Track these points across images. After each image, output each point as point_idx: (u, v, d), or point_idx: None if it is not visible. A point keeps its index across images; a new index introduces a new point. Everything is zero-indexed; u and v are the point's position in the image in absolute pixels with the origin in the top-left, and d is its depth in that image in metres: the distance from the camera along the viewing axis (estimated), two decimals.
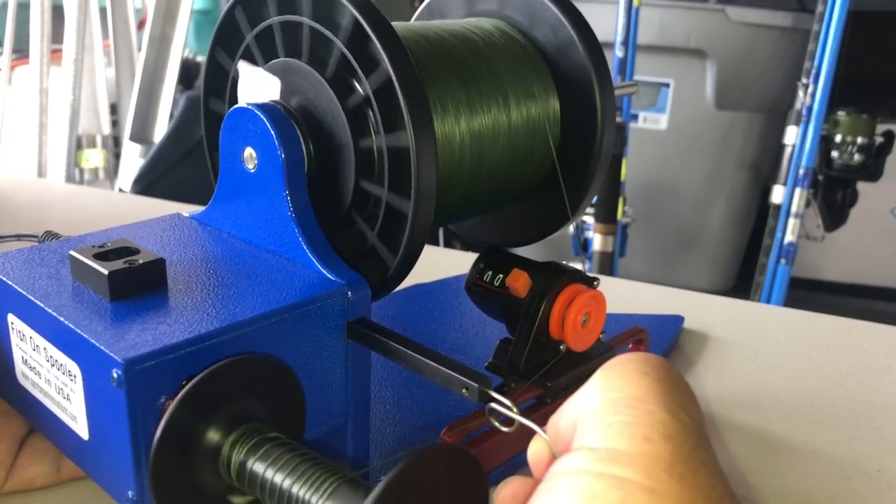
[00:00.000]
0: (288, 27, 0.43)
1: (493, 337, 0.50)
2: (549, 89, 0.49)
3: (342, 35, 0.40)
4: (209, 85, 0.49)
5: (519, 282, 0.47)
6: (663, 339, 0.62)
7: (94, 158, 2.29)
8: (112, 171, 2.34)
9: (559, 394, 0.47)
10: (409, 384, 0.54)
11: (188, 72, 2.42)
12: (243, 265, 0.40)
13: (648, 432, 0.26)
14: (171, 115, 2.15)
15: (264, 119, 0.40)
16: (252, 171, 0.42)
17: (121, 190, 2.15)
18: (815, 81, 1.55)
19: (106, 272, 0.35)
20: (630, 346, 0.55)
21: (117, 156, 2.33)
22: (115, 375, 0.31)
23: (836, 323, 0.69)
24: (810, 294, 1.97)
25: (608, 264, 1.63)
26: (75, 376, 0.34)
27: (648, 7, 1.73)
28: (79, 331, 0.33)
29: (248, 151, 0.42)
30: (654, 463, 0.25)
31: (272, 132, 0.40)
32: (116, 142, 2.37)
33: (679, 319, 0.66)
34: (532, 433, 0.48)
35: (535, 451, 0.32)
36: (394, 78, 0.38)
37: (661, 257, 2.07)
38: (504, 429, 0.35)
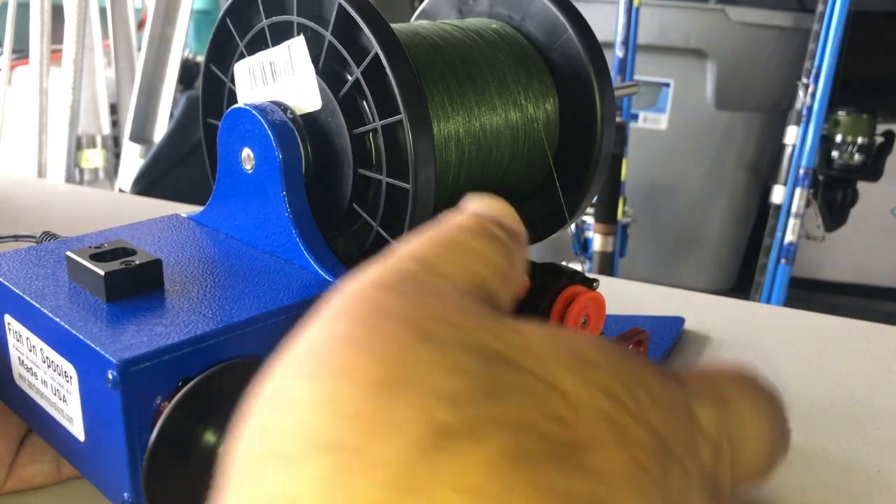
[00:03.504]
0: (277, 28, 0.43)
1: None
2: (548, 88, 0.49)
3: (329, 26, 0.40)
4: (207, 99, 0.48)
5: None
6: (664, 341, 0.62)
7: (94, 158, 2.29)
8: (112, 171, 2.34)
9: None
10: None
11: (188, 72, 2.42)
12: (240, 266, 0.40)
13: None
14: (172, 115, 2.15)
15: (261, 119, 0.40)
16: (249, 171, 0.42)
17: (121, 190, 2.15)
18: (816, 81, 1.55)
19: (102, 273, 0.35)
20: (630, 347, 0.54)
21: (117, 156, 2.33)
22: (110, 377, 0.31)
23: (836, 323, 0.68)
24: (810, 294, 1.97)
25: (608, 264, 1.63)
26: (71, 377, 0.34)
27: (648, 7, 1.73)
28: (74, 332, 0.33)
29: (246, 152, 0.41)
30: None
31: (269, 132, 0.40)
32: (116, 142, 2.37)
33: (680, 321, 0.66)
34: None
35: None
36: (380, 52, 0.38)
37: (662, 257, 2.07)
38: None
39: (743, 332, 0.66)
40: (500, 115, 0.46)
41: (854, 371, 0.60)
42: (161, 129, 2.15)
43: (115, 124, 2.37)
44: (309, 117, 0.41)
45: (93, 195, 1.19)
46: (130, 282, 0.36)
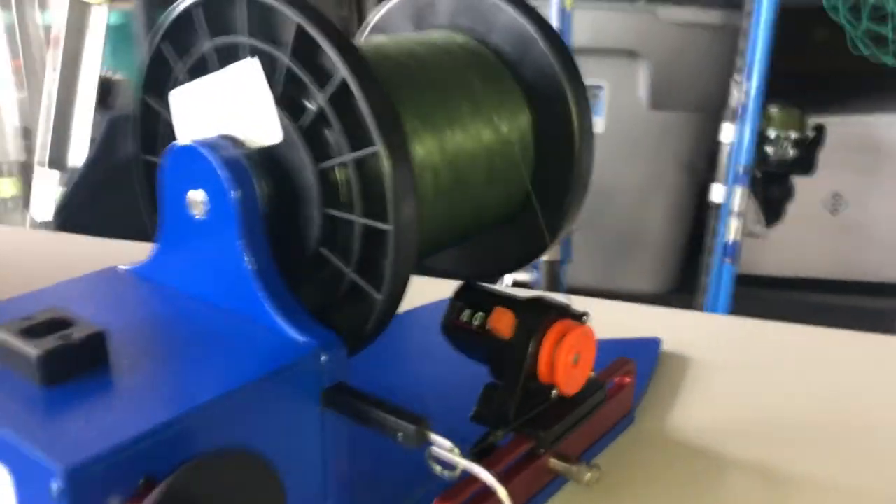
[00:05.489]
0: (224, 52, 0.38)
1: (480, 372, 0.45)
2: (520, 106, 0.45)
3: (286, 48, 0.36)
4: (143, 134, 0.43)
5: (503, 322, 0.43)
6: (644, 367, 0.58)
7: (4, 188, 2.17)
8: (27, 200, 2.22)
9: (553, 443, 0.43)
10: None
11: (106, 91, 2.31)
12: (196, 331, 0.35)
13: None
14: (91, 139, 2.04)
15: (210, 157, 0.35)
16: (199, 217, 0.36)
17: (35, 221, 2.03)
18: (749, 78, 1.55)
19: (35, 354, 0.30)
20: (616, 380, 0.51)
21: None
22: (54, 487, 0.25)
23: (817, 333, 0.66)
24: (750, 290, 1.98)
25: (555, 272, 1.61)
26: (5, 484, 0.28)
27: (580, 10, 1.71)
28: (4, 429, 0.27)
29: (194, 195, 0.36)
30: None
31: (220, 172, 0.35)
32: (29, 168, 2.25)
33: (656, 343, 0.63)
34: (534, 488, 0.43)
35: None
36: (348, 77, 0.33)
37: (605, 261, 2.06)
38: (446, 474, 0.32)
39: (722, 349, 0.63)
40: (474, 137, 0.42)
41: (851, 386, 0.57)
42: (78, 153, 2.05)
43: (30, 150, 2.25)
44: (265, 152, 0.36)
45: (6, 235, 1.10)
46: (70, 361, 0.31)
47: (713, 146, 1.72)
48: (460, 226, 0.43)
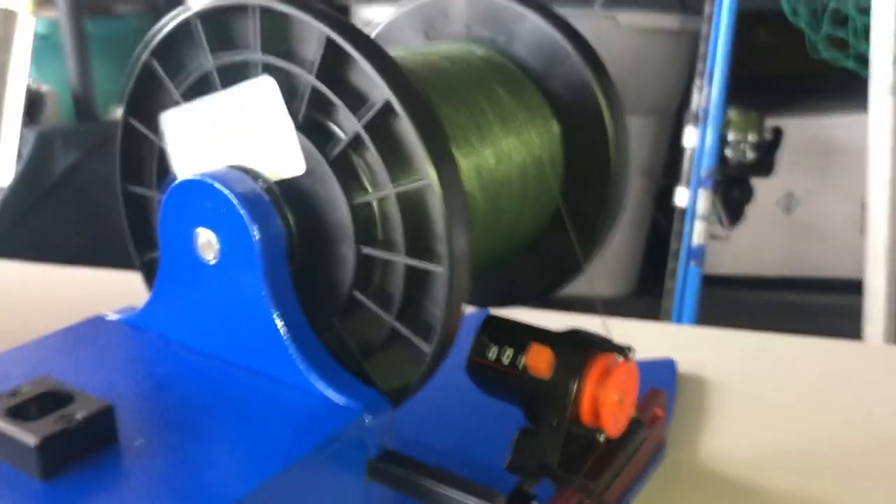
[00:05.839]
0: (231, 71, 0.33)
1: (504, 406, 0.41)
2: (550, 123, 0.41)
3: (309, 65, 0.31)
4: (128, 161, 0.38)
5: (541, 360, 0.39)
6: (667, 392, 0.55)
7: None
8: None
9: (603, 496, 0.39)
10: None
11: (33, 104, 2.20)
12: (215, 397, 0.30)
13: None
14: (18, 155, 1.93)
15: (227, 193, 0.30)
16: (212, 262, 0.31)
17: None
18: (710, 83, 1.54)
19: (34, 442, 0.24)
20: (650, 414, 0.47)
21: None
22: None
23: (835, 347, 0.63)
24: (708, 290, 1.98)
25: None
26: None
27: None
28: None
29: (205, 237, 0.31)
30: None
31: (241, 210, 0.30)
32: None
33: (670, 364, 0.59)
34: None
35: None
36: (394, 101, 0.29)
37: None
38: None
39: (738, 368, 0.60)
40: (507, 159, 0.38)
41: (888, 404, 0.54)
42: (6, 170, 1.93)
43: None
44: (287, 185, 0.32)
45: None
46: (73, 445, 0.25)
47: (671, 150, 1.71)
48: (492, 256, 0.39)
